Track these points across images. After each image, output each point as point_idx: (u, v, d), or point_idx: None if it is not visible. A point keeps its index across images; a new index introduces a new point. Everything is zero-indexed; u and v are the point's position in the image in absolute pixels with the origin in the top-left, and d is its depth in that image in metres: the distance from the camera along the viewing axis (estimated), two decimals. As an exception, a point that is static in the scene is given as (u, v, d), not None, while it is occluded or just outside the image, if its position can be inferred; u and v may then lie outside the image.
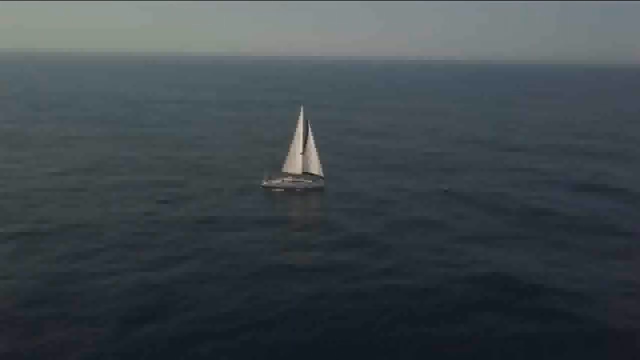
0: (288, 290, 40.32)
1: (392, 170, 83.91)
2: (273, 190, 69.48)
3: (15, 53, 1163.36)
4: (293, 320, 35.96)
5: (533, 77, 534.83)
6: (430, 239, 52.54)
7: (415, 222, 57.83)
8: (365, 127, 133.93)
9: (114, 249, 47.60)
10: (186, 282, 41.40)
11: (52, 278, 41.47)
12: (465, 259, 47.41)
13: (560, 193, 71.53)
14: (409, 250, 49.19)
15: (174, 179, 73.73)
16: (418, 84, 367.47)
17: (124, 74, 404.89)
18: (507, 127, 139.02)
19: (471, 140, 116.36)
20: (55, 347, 32.18)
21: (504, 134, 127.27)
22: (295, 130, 70.52)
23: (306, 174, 70.72)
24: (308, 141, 69.67)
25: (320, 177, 70.36)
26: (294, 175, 71.11)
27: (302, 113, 69.71)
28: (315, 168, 69.98)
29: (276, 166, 74.13)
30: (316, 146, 69.72)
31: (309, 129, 69.57)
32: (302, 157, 70.11)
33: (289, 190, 69.40)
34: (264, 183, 70.20)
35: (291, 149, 70.75)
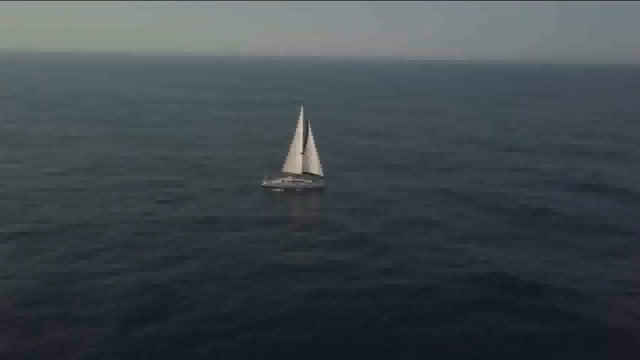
0: (288, 290, 40.35)
1: (392, 170, 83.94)
2: (273, 190, 69.51)
3: (15, 53, 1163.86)
4: (293, 320, 35.97)
5: (533, 77, 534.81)
6: (430, 239, 52.56)
7: (415, 221, 57.89)
8: (365, 127, 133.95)
9: (114, 249, 47.63)
10: (186, 282, 41.42)
11: (52, 278, 41.49)
12: (465, 259, 47.43)
13: (560, 193, 71.56)
14: (409, 250, 49.21)
15: (174, 179, 73.76)
16: (418, 84, 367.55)
17: (124, 74, 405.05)
18: (507, 127, 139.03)
19: (471, 140, 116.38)
20: (55, 347, 32.19)
21: (503, 134, 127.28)
22: (295, 130, 70.55)
23: (306, 174, 70.75)
24: (308, 141, 69.70)
25: (320, 177, 70.38)
26: (294, 175, 71.13)
27: (302, 113, 69.74)
28: (315, 168, 69.99)
29: (276, 166, 74.15)
30: (316, 146, 69.75)
31: (309, 129, 69.60)
32: (302, 157, 70.14)
33: (289, 190, 69.42)
34: (264, 183, 70.22)
35: (291, 149, 70.79)
